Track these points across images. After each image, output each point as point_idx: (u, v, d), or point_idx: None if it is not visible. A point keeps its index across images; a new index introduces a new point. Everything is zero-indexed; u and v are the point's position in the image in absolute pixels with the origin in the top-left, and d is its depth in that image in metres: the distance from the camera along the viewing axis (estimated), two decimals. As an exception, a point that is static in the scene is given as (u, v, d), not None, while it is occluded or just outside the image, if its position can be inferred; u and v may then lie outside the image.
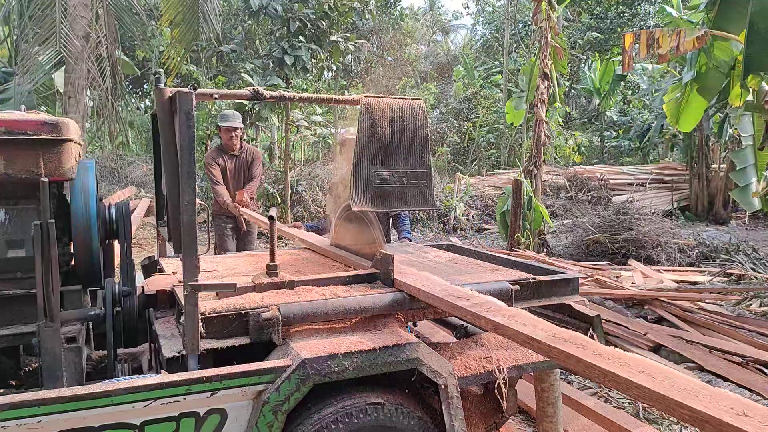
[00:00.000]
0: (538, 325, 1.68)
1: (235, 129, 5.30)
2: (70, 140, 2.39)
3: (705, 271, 7.56)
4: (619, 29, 20.47)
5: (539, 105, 8.83)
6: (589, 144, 20.12)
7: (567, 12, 20.09)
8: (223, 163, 5.34)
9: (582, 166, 16.61)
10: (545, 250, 8.90)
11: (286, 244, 6.05)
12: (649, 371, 1.33)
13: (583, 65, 21.42)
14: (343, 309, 2.19)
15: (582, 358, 1.42)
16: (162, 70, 3.51)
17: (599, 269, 7.28)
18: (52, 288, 2.09)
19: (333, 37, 9.57)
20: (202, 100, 2.21)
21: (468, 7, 29.05)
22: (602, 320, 2.60)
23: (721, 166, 13.31)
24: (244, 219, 5.15)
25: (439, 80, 26.42)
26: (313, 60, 9.69)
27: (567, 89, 20.10)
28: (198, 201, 2.05)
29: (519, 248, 8.12)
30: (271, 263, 2.42)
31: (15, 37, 10.06)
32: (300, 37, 9.24)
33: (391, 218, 4.34)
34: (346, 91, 17.48)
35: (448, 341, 2.66)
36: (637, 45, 6.11)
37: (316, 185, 12.25)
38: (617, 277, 6.89)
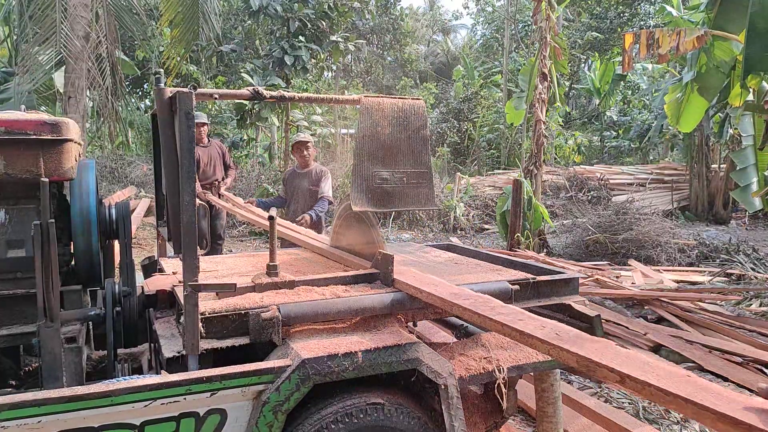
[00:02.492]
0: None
1: (204, 124, 6.33)
2: (70, 140, 2.39)
3: (705, 271, 7.56)
4: (619, 29, 20.49)
5: (539, 105, 8.83)
6: (589, 144, 20.12)
7: (567, 12, 20.12)
8: (197, 154, 6.12)
9: (582, 166, 16.61)
10: (545, 250, 8.90)
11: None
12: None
13: (583, 65, 21.44)
14: (343, 309, 2.19)
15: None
16: (162, 70, 3.51)
17: (599, 269, 7.28)
18: (52, 288, 2.09)
19: (333, 37, 9.57)
20: (202, 100, 2.21)
21: (468, 7, 29.10)
22: (602, 320, 2.60)
23: (721, 166, 13.31)
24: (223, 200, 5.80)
25: (439, 80, 26.40)
26: (313, 60, 9.69)
27: (567, 89, 20.09)
28: (198, 201, 2.04)
29: (519, 248, 8.12)
30: (271, 263, 2.41)
31: (15, 37, 10.06)
32: (300, 37, 9.24)
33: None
34: (346, 91, 17.47)
35: (448, 341, 2.66)
36: (637, 45, 6.10)
37: (316, 185, 12.22)
38: (617, 277, 6.89)
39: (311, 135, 12.68)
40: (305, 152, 5.37)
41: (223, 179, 6.42)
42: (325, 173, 5.39)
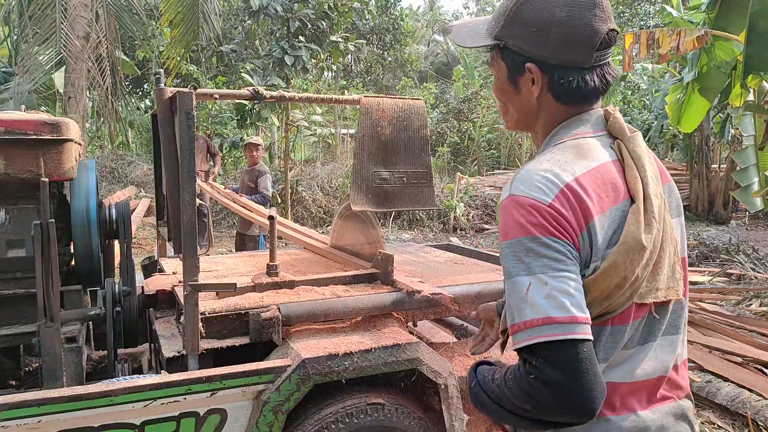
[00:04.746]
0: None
1: None
2: (70, 140, 2.40)
3: (705, 271, 7.55)
4: (619, 29, 20.47)
5: (539, 105, 8.80)
6: (589, 144, 20.06)
7: (567, 12, 20.03)
8: None
9: (582, 166, 16.53)
10: (545, 250, 8.88)
11: (286, 245, 6.21)
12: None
13: (583, 65, 21.37)
14: (343, 309, 2.19)
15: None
16: (162, 70, 3.51)
17: (599, 269, 7.26)
18: (52, 288, 2.09)
19: (333, 37, 9.56)
20: (202, 100, 2.21)
21: (468, 7, 29.07)
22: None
23: (722, 166, 13.30)
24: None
25: (439, 80, 26.40)
26: (313, 60, 9.68)
27: (567, 89, 20.00)
28: (198, 201, 2.05)
29: (519, 248, 8.09)
30: (271, 263, 2.42)
31: (15, 37, 10.05)
32: (300, 37, 9.23)
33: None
34: (346, 91, 17.46)
35: (448, 341, 2.66)
36: (637, 45, 6.09)
37: (316, 185, 12.26)
38: (617, 277, 6.87)
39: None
40: (254, 153, 6.18)
41: (209, 170, 7.49)
42: (263, 174, 6.03)
